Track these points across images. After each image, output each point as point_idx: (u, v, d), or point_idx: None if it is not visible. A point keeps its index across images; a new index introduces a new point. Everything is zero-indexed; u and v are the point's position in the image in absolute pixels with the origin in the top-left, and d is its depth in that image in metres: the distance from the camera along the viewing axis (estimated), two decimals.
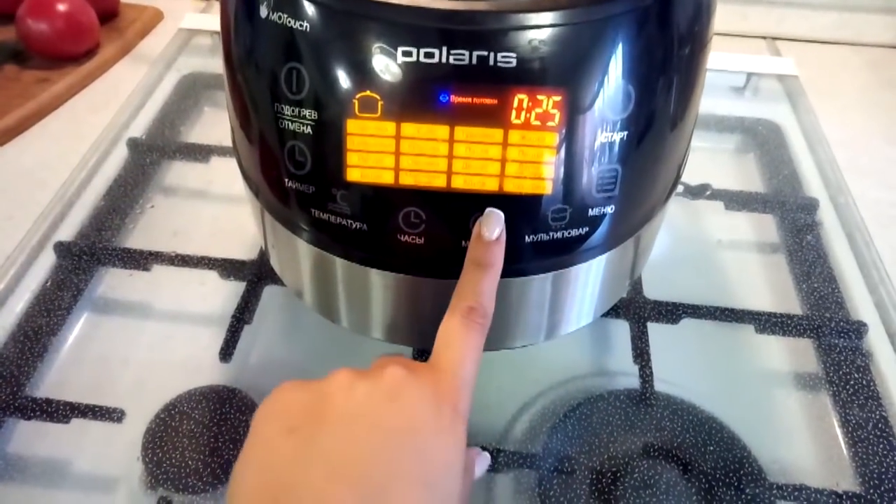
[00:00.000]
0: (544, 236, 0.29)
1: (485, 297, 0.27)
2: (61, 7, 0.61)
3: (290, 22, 0.26)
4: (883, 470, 0.37)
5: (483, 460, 0.32)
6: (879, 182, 0.56)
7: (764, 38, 0.73)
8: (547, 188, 0.27)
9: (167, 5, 0.73)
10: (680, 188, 0.53)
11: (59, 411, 0.38)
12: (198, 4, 0.75)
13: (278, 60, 0.27)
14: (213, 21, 0.69)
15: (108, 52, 0.65)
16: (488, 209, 0.27)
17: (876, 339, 0.44)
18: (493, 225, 0.27)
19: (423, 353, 0.39)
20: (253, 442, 0.25)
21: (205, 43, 0.68)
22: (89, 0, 0.64)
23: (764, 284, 0.48)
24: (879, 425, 0.39)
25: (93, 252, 0.47)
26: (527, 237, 0.29)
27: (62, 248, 0.47)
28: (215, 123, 0.61)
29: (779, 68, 0.67)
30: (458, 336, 0.26)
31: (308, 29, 0.26)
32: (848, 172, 0.56)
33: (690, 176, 0.53)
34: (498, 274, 0.28)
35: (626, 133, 0.28)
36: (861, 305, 0.46)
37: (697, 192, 0.53)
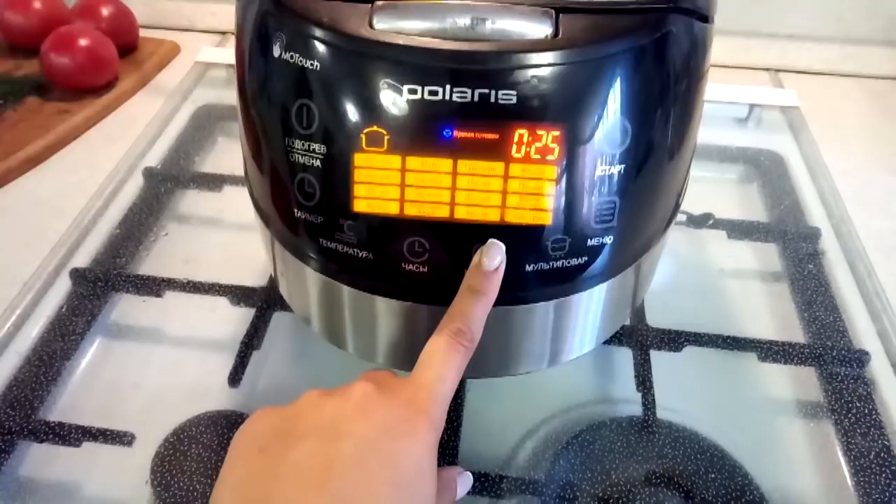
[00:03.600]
0: (545, 265, 0.29)
1: (474, 322, 0.28)
2: (83, 42, 0.64)
3: (301, 61, 0.27)
4: (886, 500, 0.37)
5: (465, 479, 0.32)
6: (881, 212, 0.57)
7: (767, 69, 0.75)
8: (546, 219, 0.28)
9: (184, 39, 0.76)
10: (683, 217, 0.54)
11: (71, 435, 0.39)
12: (214, 38, 0.78)
13: (290, 97, 0.28)
14: (228, 55, 0.71)
15: (126, 84, 0.67)
16: (490, 240, 0.28)
17: (878, 368, 0.44)
18: (493, 255, 0.28)
19: None
20: (228, 464, 0.26)
21: (220, 75, 0.70)
22: (109, 34, 0.67)
23: (766, 313, 0.49)
24: (882, 454, 0.39)
25: (107, 279, 0.48)
26: (527, 266, 0.29)
27: (77, 275, 0.48)
28: (228, 153, 0.62)
29: (781, 100, 0.68)
30: (441, 354, 0.27)
31: (318, 68, 0.27)
32: (850, 202, 0.57)
33: (693, 205, 0.54)
34: (491, 302, 0.29)
35: (623, 166, 0.28)
36: (863, 334, 0.46)
37: (700, 221, 0.53)
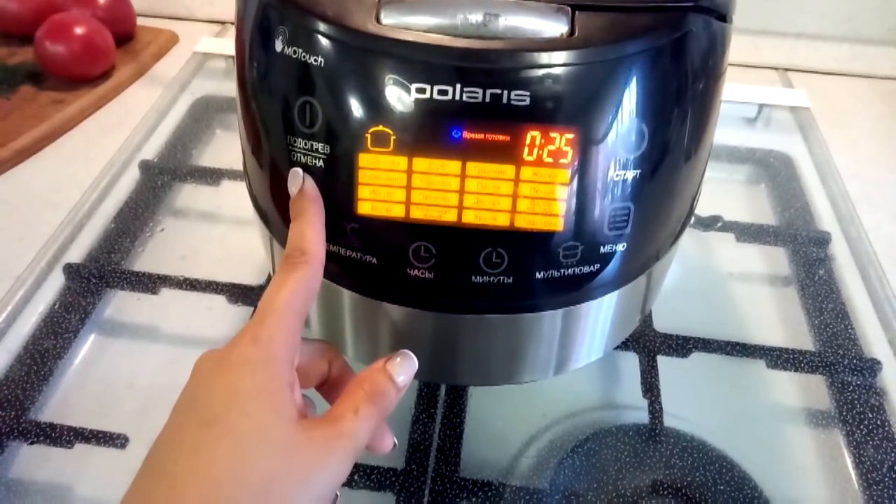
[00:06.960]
0: (555, 273, 0.28)
1: (297, 241, 0.27)
2: (79, 30, 0.62)
3: (304, 57, 0.26)
4: None
5: (406, 362, 0.28)
6: (892, 215, 0.56)
7: (776, 69, 0.73)
8: (558, 225, 0.27)
9: (183, 28, 0.74)
10: (691, 219, 0.53)
11: (63, 436, 0.38)
12: (213, 28, 0.76)
13: (292, 94, 0.27)
14: (227, 45, 0.70)
15: (122, 74, 0.66)
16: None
17: (890, 378, 0.43)
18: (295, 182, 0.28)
19: (427, 385, 0.39)
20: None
21: (219, 66, 0.69)
22: (106, 22, 0.65)
23: (775, 318, 0.48)
24: (895, 468, 0.38)
25: (101, 274, 0.47)
26: (537, 273, 0.28)
27: (71, 270, 0.47)
28: (227, 146, 0.61)
29: (791, 100, 0.67)
30: (275, 278, 0.26)
31: (322, 64, 0.26)
32: (860, 205, 0.56)
33: (701, 207, 0.52)
34: (311, 218, 0.27)
35: (639, 170, 0.27)
36: (874, 342, 0.45)
37: (709, 223, 0.52)
